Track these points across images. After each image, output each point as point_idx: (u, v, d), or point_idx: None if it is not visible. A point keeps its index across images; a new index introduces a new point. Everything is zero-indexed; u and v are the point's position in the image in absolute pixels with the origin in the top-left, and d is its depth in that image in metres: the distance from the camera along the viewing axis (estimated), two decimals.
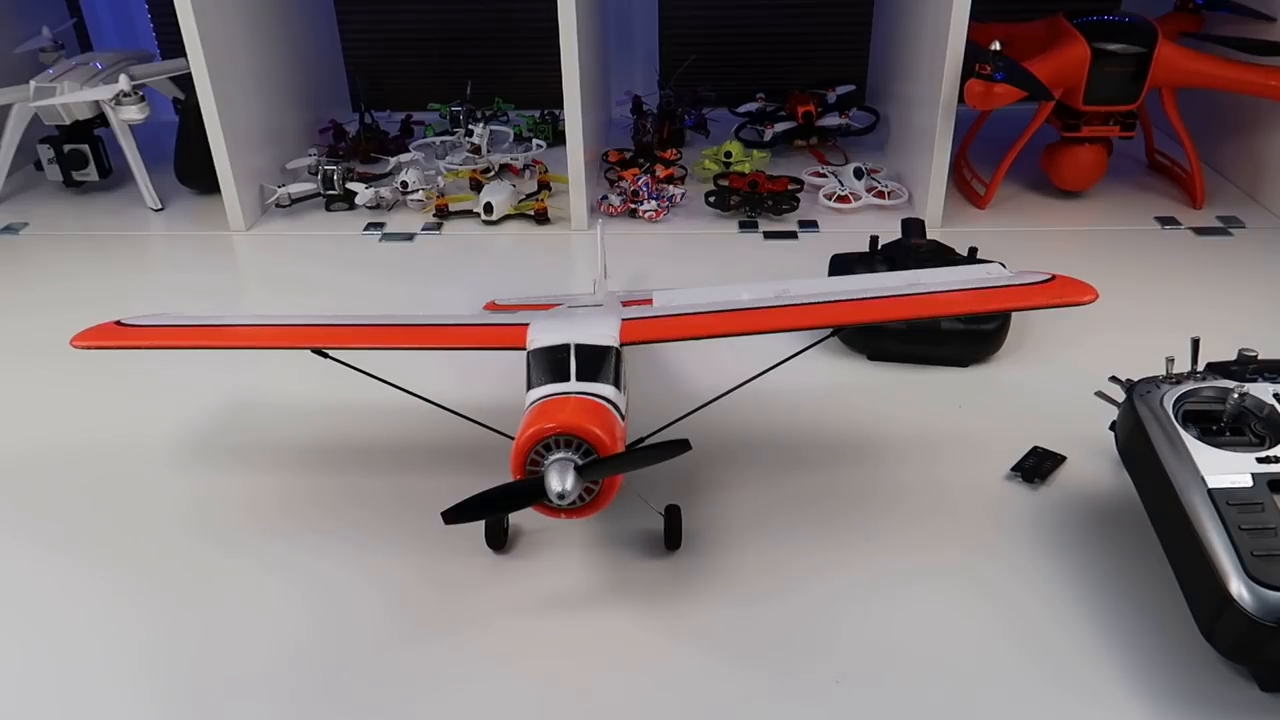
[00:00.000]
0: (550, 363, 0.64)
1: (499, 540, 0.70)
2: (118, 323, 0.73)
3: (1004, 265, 0.78)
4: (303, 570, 0.69)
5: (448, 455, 0.79)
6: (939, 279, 0.73)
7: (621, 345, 0.66)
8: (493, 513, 0.59)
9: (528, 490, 0.59)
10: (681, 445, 0.58)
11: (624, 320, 0.68)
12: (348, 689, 0.60)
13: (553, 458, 0.59)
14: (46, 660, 0.63)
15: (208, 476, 0.80)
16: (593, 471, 0.59)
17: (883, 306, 0.68)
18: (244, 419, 0.87)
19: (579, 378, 0.63)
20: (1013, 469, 0.77)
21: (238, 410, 0.88)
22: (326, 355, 0.70)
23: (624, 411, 0.65)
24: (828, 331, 0.69)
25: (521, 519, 0.71)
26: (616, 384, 0.64)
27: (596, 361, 0.64)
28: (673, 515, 0.70)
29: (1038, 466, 0.76)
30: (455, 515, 0.59)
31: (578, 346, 0.64)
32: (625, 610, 0.65)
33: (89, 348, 0.71)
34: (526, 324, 0.68)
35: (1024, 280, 0.69)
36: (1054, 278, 0.68)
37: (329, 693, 0.60)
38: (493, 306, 1.02)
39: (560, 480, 0.57)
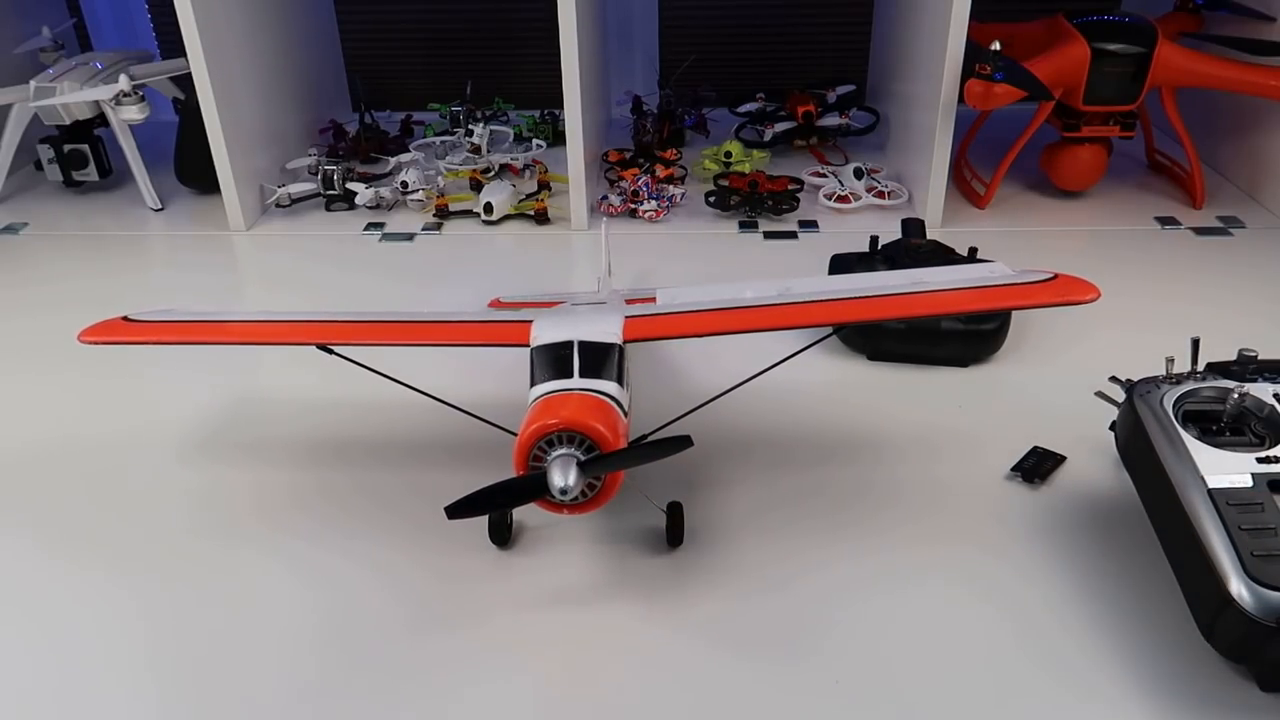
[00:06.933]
0: (554, 359, 0.64)
1: (503, 537, 0.70)
2: (125, 318, 0.74)
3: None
4: (309, 564, 0.69)
5: (451, 450, 0.79)
6: (941, 278, 0.73)
7: (625, 342, 0.66)
8: (496, 508, 0.60)
9: (530, 486, 0.59)
10: (683, 441, 0.58)
11: (627, 318, 0.68)
12: (353, 682, 0.60)
13: (555, 454, 0.59)
14: (49, 657, 0.63)
15: (214, 472, 0.80)
16: (595, 467, 0.59)
17: (884, 305, 0.68)
18: (249, 415, 0.88)
19: (582, 374, 0.63)
20: (1013, 469, 0.77)
21: (243, 406, 0.88)
22: (332, 351, 0.70)
23: (627, 408, 0.65)
24: (827, 331, 0.69)
25: (525, 515, 0.71)
26: (619, 381, 0.64)
27: (600, 358, 0.64)
28: (675, 512, 0.70)
29: (1038, 466, 0.76)
30: (459, 510, 0.59)
31: (581, 343, 0.64)
32: (627, 606, 0.65)
33: (96, 343, 0.71)
34: (530, 321, 0.68)
35: (1026, 279, 0.69)
36: (1056, 276, 0.68)
37: (335, 686, 0.60)
38: (497, 304, 1.02)
39: (563, 476, 0.57)
